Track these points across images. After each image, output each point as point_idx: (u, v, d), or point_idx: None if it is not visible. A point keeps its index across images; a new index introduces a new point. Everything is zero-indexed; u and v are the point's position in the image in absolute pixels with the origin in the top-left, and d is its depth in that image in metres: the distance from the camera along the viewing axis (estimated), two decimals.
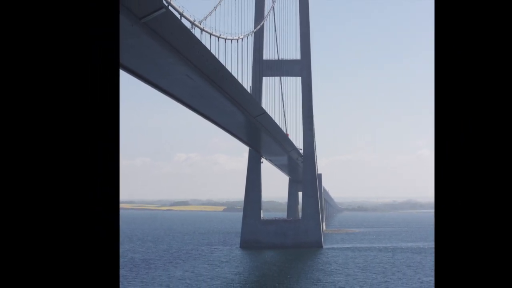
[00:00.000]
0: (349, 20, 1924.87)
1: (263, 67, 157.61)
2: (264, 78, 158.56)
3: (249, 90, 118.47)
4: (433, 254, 14.62)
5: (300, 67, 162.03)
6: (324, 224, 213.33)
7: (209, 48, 77.74)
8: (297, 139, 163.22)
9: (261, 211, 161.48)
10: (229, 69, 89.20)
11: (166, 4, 58.46)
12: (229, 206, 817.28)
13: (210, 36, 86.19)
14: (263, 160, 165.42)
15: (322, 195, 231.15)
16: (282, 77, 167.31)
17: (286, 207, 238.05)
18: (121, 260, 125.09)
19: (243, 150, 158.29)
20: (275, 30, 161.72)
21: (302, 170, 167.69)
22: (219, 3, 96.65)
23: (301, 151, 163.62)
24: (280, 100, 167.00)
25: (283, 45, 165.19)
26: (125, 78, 74.26)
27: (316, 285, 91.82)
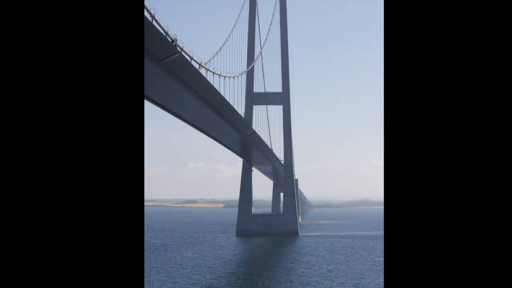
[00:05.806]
0: (320, 61, 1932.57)
1: (254, 98, 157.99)
2: (254, 106, 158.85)
3: (242, 115, 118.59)
4: (383, 240, 14.62)
5: (282, 98, 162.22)
6: (300, 217, 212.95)
7: (212, 83, 77.96)
8: (279, 152, 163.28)
9: (252, 207, 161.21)
10: (228, 99, 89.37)
11: (180, 50, 58.60)
12: (228, 204, 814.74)
13: (213, 74, 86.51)
14: (253, 168, 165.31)
15: (299, 195, 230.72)
16: (268, 105, 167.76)
17: (271, 204, 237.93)
18: (145, 245, 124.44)
19: (238, 161, 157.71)
20: (263, 70, 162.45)
21: (283, 176, 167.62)
22: (220, 49, 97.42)
23: (282, 162, 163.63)
24: (266, 123, 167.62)
25: (269, 81, 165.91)
26: (149, 106, 74.43)
27: (293, 264, 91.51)
